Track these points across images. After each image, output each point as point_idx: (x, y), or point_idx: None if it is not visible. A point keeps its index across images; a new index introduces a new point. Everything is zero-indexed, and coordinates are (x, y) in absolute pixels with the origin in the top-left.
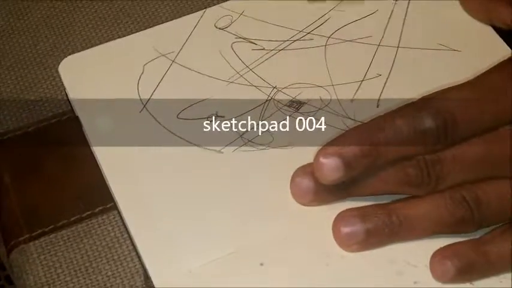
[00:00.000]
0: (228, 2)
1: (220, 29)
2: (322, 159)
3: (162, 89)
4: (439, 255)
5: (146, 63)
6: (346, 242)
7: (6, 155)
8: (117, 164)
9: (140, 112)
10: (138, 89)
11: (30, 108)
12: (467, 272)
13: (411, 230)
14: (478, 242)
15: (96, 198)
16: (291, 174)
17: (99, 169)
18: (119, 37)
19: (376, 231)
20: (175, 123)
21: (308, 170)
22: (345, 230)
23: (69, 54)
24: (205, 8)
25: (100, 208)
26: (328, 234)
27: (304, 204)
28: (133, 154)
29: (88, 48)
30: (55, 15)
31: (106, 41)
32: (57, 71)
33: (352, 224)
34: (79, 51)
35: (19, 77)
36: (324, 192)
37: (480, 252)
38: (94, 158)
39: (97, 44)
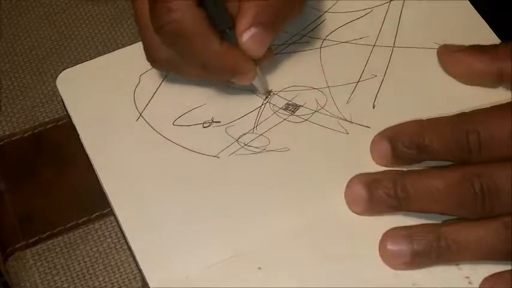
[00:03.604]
0: None
1: None
2: (376, 138)
3: (158, 98)
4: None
5: (142, 74)
6: (391, 261)
7: (2, 161)
8: (114, 171)
9: (137, 121)
10: (134, 98)
11: (27, 114)
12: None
13: (459, 255)
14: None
15: (93, 204)
16: (288, 176)
17: (96, 175)
18: (118, 40)
19: (422, 254)
20: (172, 130)
21: (363, 179)
22: (391, 248)
23: (66, 59)
24: None
25: (97, 214)
26: (327, 236)
27: (357, 213)
28: (130, 161)
29: (84, 53)
30: (52, 20)
31: (104, 44)
32: (52, 76)
33: (399, 243)
34: (75, 56)
35: (15, 82)
36: (377, 203)
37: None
38: (90, 163)
39: (93, 49)
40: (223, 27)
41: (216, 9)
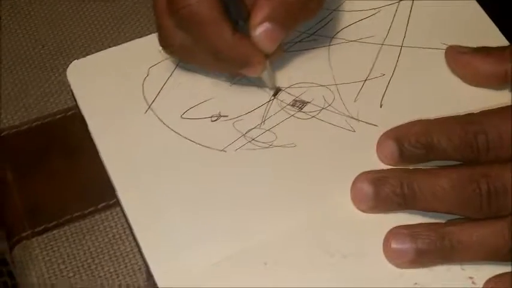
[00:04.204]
0: None
1: None
2: (382, 138)
3: (166, 90)
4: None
5: (151, 66)
6: (395, 259)
7: (10, 150)
8: (121, 162)
9: (145, 113)
10: (143, 91)
11: (35, 104)
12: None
13: (463, 254)
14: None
15: (100, 194)
16: (294, 172)
17: (103, 165)
18: (124, 37)
19: (426, 253)
20: (180, 123)
21: (370, 176)
22: (395, 246)
23: (75, 51)
24: None
25: (103, 204)
26: (331, 234)
27: (363, 211)
28: (138, 153)
29: (94, 45)
30: (62, 12)
31: (111, 39)
32: (62, 67)
33: (403, 242)
34: (85, 48)
35: (24, 73)
36: (383, 201)
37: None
38: (98, 154)
39: (103, 41)
40: (238, 17)
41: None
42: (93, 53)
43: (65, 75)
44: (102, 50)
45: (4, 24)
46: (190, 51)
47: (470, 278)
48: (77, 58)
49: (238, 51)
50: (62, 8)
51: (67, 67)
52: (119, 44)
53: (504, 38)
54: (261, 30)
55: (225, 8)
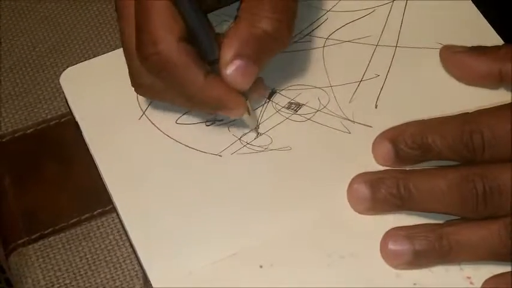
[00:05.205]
0: (225, 7)
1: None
2: (377, 139)
3: None
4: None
5: None
6: (392, 260)
7: (5, 157)
8: (116, 169)
9: (139, 119)
10: (137, 97)
11: (29, 110)
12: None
13: (461, 255)
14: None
15: (95, 200)
16: (290, 175)
17: (98, 171)
18: (118, 39)
19: (424, 254)
20: (175, 128)
21: (366, 178)
22: (393, 248)
23: (69, 56)
24: None
25: (99, 211)
26: (328, 235)
27: (359, 212)
28: (133, 159)
29: (86, 50)
30: (54, 17)
31: (105, 43)
32: (56, 73)
33: (400, 243)
34: (78, 53)
35: (18, 79)
36: (380, 202)
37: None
38: (93, 160)
39: (96, 46)
40: (212, 57)
41: (206, 40)
42: (87, 58)
43: (58, 82)
44: (98, 55)
45: (1, 29)
46: (163, 93)
47: (468, 278)
48: (72, 64)
49: (213, 94)
50: (58, 11)
51: (61, 73)
52: (114, 49)
53: (499, 37)
54: (232, 69)
55: (197, 50)
